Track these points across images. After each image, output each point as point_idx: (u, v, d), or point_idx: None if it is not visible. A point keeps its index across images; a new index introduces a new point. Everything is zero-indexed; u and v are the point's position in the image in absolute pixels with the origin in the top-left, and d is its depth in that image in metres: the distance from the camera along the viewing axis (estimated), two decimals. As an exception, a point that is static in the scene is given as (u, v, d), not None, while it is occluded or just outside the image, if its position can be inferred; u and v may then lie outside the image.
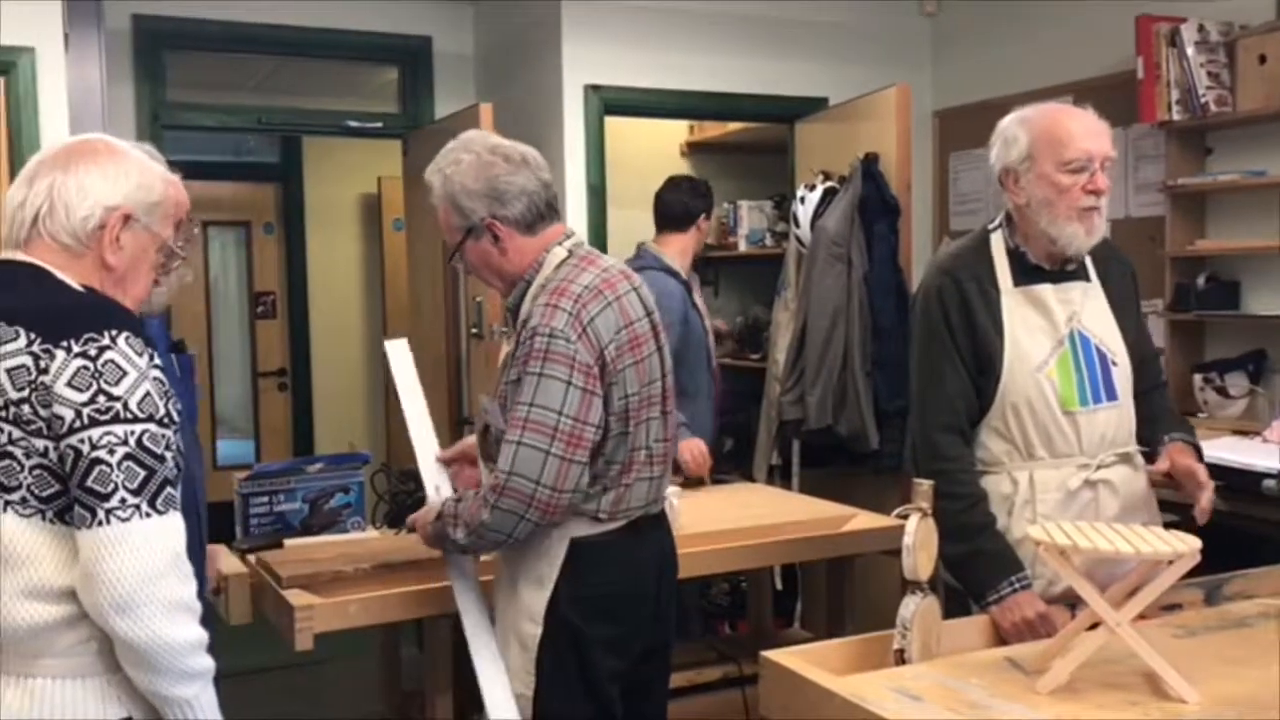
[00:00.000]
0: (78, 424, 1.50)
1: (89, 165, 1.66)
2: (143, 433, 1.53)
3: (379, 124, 5.10)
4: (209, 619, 1.65)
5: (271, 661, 3.76)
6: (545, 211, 2.19)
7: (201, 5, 4.52)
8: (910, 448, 2.40)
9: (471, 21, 5.11)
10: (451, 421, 4.58)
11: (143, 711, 1.60)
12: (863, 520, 3.10)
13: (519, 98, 4.67)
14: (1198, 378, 3.81)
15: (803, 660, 1.85)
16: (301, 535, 2.88)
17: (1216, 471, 2.92)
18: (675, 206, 4.01)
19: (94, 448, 1.50)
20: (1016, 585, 2.14)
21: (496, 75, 4.97)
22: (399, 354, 2.50)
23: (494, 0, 4.92)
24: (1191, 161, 3.94)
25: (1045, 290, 2.29)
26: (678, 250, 3.98)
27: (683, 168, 5.64)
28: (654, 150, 5.55)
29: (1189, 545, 1.74)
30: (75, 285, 1.63)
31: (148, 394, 1.55)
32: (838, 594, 3.25)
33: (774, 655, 1.87)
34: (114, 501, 1.50)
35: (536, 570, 2.12)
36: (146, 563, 1.51)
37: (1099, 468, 2.26)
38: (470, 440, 2.44)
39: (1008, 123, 2.31)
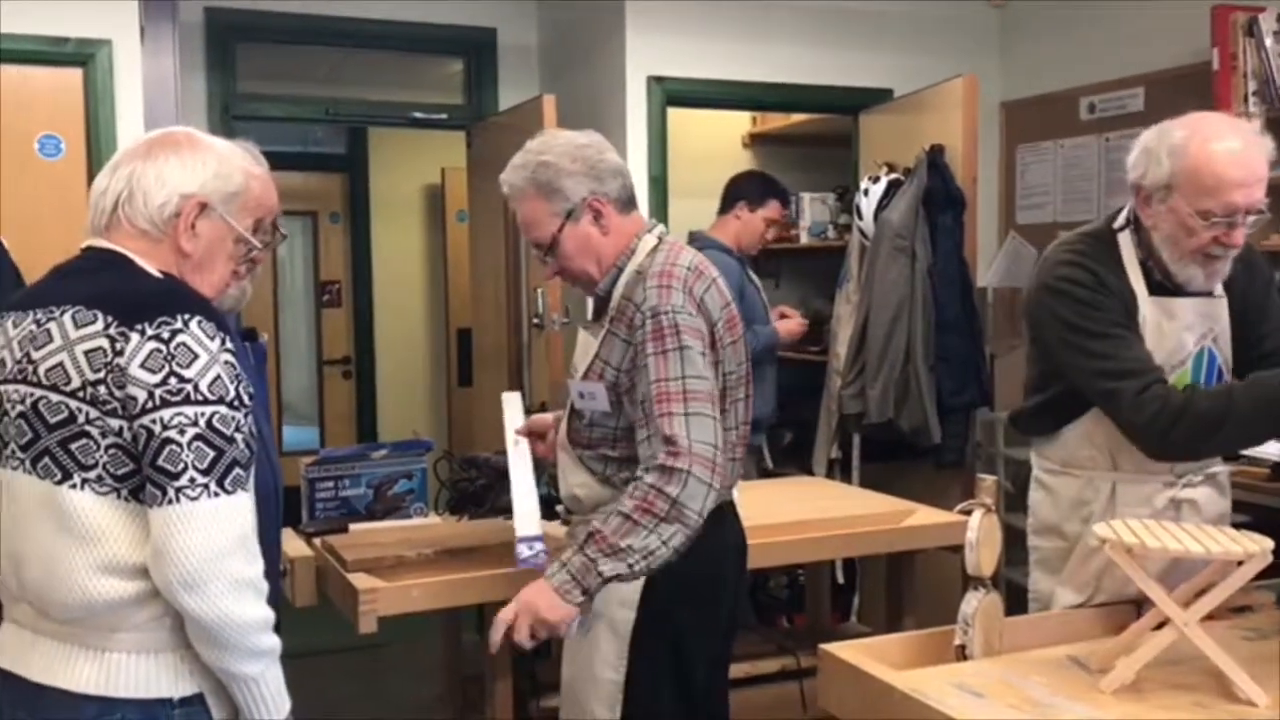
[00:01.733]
0: (150, 404, 1.54)
1: (169, 154, 1.70)
2: (213, 414, 1.56)
3: (444, 115, 5.14)
4: (275, 599, 1.68)
5: (334, 644, 3.82)
6: (633, 195, 2.24)
7: (272, -1, 4.60)
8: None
9: (535, 13, 5.14)
10: (512, 410, 4.61)
11: (215, 687, 1.63)
12: (923, 515, 3.08)
13: (582, 89, 4.69)
14: None
15: (862, 654, 1.85)
16: (366, 520, 2.93)
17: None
18: (724, 192, 4.39)
19: (165, 428, 1.54)
20: None
21: (560, 67, 4.99)
22: (513, 406, 2.51)
23: (558, -8, 4.95)
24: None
25: (1181, 304, 2.15)
26: (723, 233, 4.29)
27: (745, 159, 5.62)
28: (716, 141, 5.53)
29: (1261, 546, 1.71)
30: (154, 271, 1.67)
31: (218, 377, 1.58)
32: (897, 589, 3.23)
33: (833, 648, 1.87)
34: (183, 480, 1.53)
35: None
36: (214, 541, 1.54)
37: (1185, 486, 2.20)
38: (541, 416, 2.46)
39: (1156, 139, 2.11)
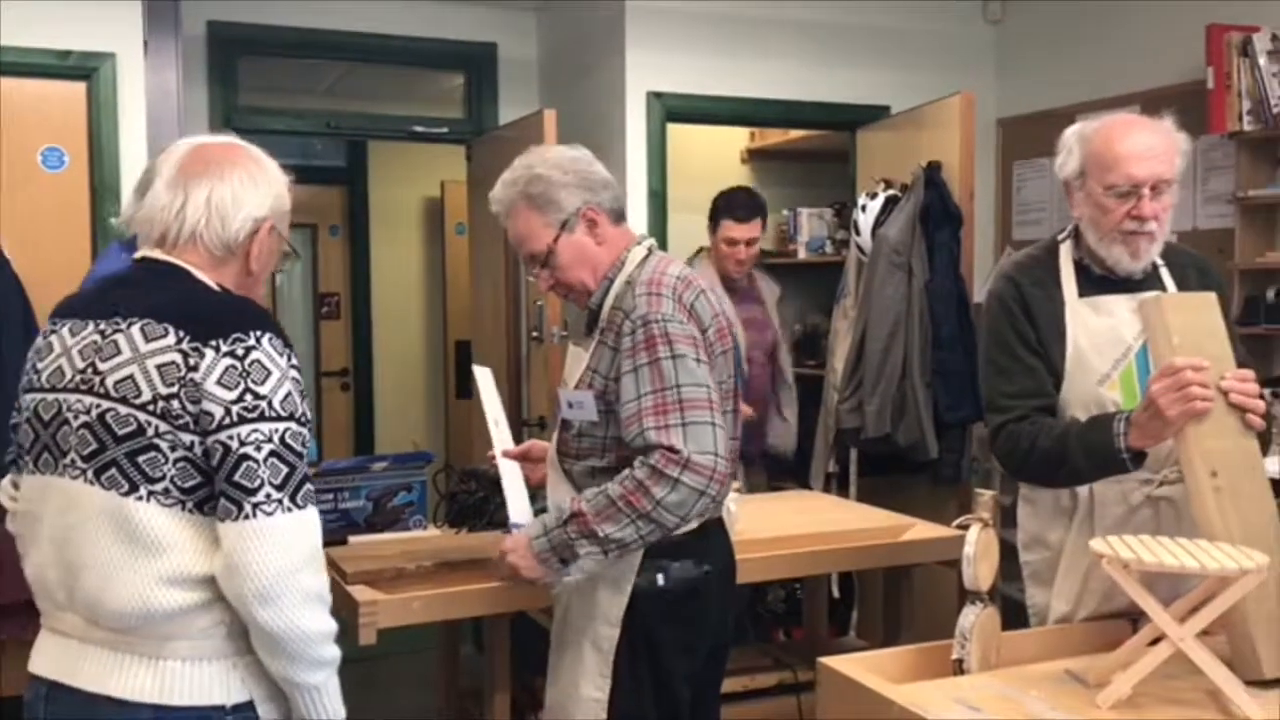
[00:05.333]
0: (227, 421, 1.57)
1: (238, 174, 1.73)
2: (285, 430, 1.60)
3: (444, 129, 5.17)
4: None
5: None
6: (623, 207, 2.27)
7: (274, 12, 4.62)
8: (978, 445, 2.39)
9: (535, 28, 5.16)
10: (512, 423, 4.62)
11: (265, 694, 1.67)
12: (921, 530, 3.09)
13: (582, 104, 4.71)
14: (1266, 393, 3.73)
15: (861, 668, 1.86)
16: (365, 532, 2.93)
17: (1283, 488, 2.88)
18: None
19: (242, 444, 1.57)
20: (1123, 418, 2.04)
21: (560, 82, 5.01)
22: (485, 380, 2.53)
23: (559, 5, 4.97)
24: (1262, 173, 3.87)
25: (1116, 301, 2.24)
26: (708, 259, 4.30)
27: (743, 174, 5.65)
28: (715, 156, 5.56)
29: (1256, 561, 1.72)
30: (214, 286, 1.70)
31: (289, 394, 1.63)
32: (895, 603, 3.24)
33: (832, 662, 1.88)
34: (260, 496, 1.57)
35: (612, 573, 2.14)
36: (288, 556, 1.58)
37: (1161, 484, 2.23)
38: (536, 442, 2.47)
39: (1068, 134, 2.29)
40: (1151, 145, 2.17)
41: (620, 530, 2.03)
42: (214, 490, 1.60)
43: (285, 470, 1.60)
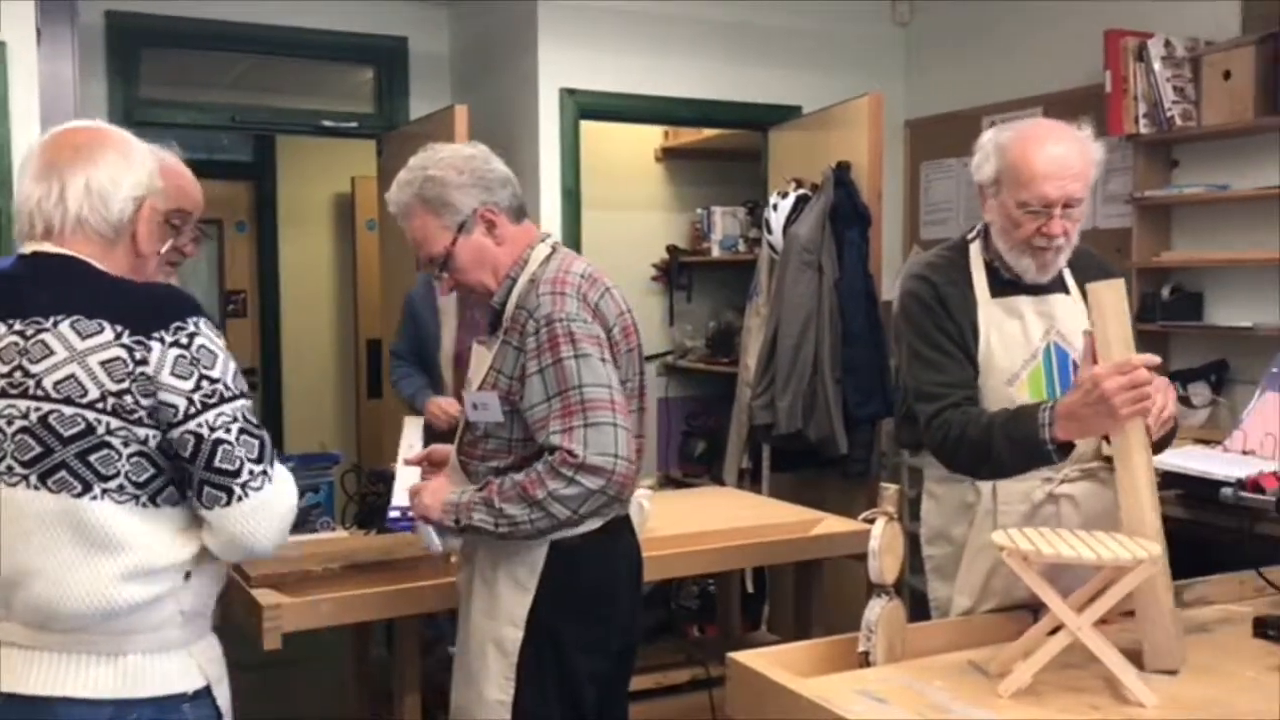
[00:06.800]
0: (192, 410, 1.61)
1: (113, 156, 1.71)
2: (243, 407, 1.67)
3: (354, 124, 5.09)
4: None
5: (238, 662, 3.74)
6: (523, 204, 2.24)
7: (176, 3, 4.50)
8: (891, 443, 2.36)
9: (447, 23, 5.12)
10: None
11: (218, 675, 1.74)
12: (831, 524, 3.13)
13: (494, 99, 4.68)
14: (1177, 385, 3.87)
15: (769, 662, 1.87)
16: (271, 535, 2.87)
17: (1177, 480, 2.98)
18: None
19: (212, 430, 1.62)
20: (1047, 408, 2.01)
21: (472, 77, 4.97)
22: (413, 431, 2.52)
23: (470, 1, 4.93)
24: (1158, 174, 4.00)
25: (1023, 302, 2.28)
26: None
27: (657, 173, 5.68)
28: (630, 155, 5.57)
29: (1150, 552, 1.77)
30: (115, 275, 1.68)
31: (235, 371, 1.68)
32: (805, 597, 3.28)
33: (740, 657, 1.89)
34: (245, 475, 1.65)
35: (515, 574, 2.12)
36: (284, 517, 1.71)
37: (1062, 481, 2.29)
38: (437, 447, 2.45)
39: (985, 139, 2.28)
40: (1067, 163, 2.16)
41: (513, 508, 2.04)
42: (170, 481, 1.64)
43: (256, 443, 1.67)
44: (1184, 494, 2.97)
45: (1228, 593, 2.27)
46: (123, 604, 1.60)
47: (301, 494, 2.93)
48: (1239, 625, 2.09)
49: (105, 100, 4.45)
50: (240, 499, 1.64)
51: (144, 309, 1.63)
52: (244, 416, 1.66)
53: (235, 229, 7.34)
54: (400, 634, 2.65)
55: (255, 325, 7.25)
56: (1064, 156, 2.16)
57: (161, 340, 1.61)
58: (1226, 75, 3.66)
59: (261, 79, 5.66)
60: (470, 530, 2.10)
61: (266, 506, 1.67)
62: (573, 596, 2.13)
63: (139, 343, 1.59)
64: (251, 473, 1.65)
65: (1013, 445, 2.07)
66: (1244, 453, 3.18)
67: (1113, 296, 1.91)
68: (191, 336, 1.63)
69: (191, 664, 1.70)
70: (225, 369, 1.65)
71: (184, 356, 1.61)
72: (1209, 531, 2.51)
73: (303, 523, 2.95)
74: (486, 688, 2.14)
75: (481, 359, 2.20)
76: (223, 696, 1.75)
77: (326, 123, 5.06)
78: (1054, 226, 2.18)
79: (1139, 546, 1.80)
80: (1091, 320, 1.95)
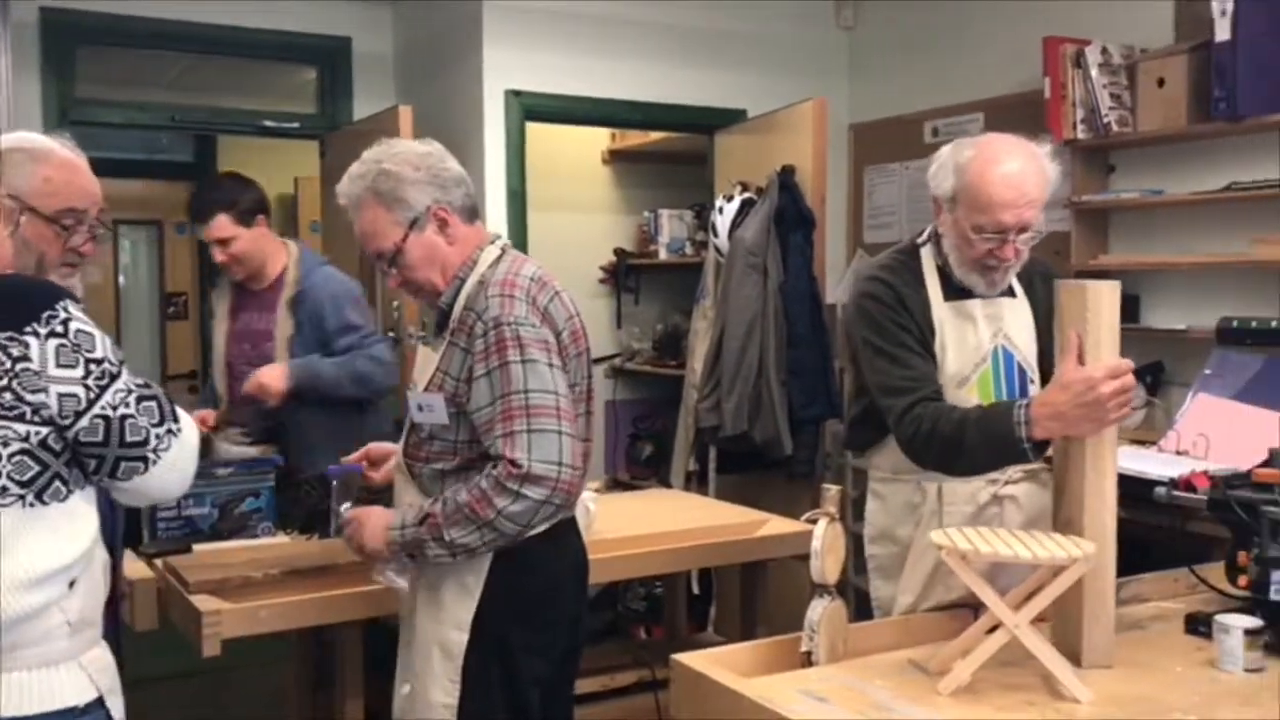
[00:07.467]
0: (91, 396, 1.61)
1: None
2: (129, 378, 1.68)
3: (296, 124, 5.04)
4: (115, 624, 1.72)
5: (178, 669, 3.68)
6: (475, 204, 2.23)
7: (114, 1, 4.42)
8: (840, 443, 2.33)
9: (392, 23, 5.08)
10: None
11: (110, 685, 1.69)
12: (775, 525, 3.14)
13: (439, 100, 4.65)
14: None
15: (712, 663, 1.87)
16: (210, 540, 2.84)
17: (1114, 479, 3.03)
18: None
19: (115, 408, 1.64)
20: (1022, 406, 2.03)
21: (416, 77, 4.94)
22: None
23: (415, 2, 4.90)
24: (1096, 179, 4.07)
25: (974, 305, 2.31)
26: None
27: (604, 175, 5.68)
28: (576, 157, 5.57)
29: (1084, 550, 1.80)
30: None
31: (110, 344, 1.67)
32: (750, 598, 3.29)
33: (683, 658, 1.89)
34: (153, 442, 1.69)
35: (461, 578, 2.11)
36: (190, 462, 1.77)
37: (1006, 483, 2.31)
38: (374, 445, 2.43)
39: (945, 153, 2.28)
40: (1024, 190, 2.17)
41: (466, 536, 2.02)
42: (55, 475, 1.61)
43: (154, 404, 1.70)
44: (1119, 493, 3.02)
45: (1161, 590, 2.31)
46: (10, 614, 1.55)
47: (241, 499, 2.93)
48: (1172, 622, 2.14)
49: (39, 99, 4.36)
50: (152, 464, 1.69)
51: (8, 303, 1.59)
52: (134, 385, 1.68)
53: (175, 230, 7.24)
54: (342, 638, 2.62)
55: (196, 328, 7.15)
56: (1021, 184, 2.17)
57: (36, 334, 1.58)
58: (1160, 83, 3.74)
59: (202, 78, 5.59)
60: (423, 558, 2.09)
61: (176, 463, 1.72)
62: (519, 600, 2.12)
63: (12, 339, 1.56)
64: (159, 436, 1.69)
65: (987, 442, 2.08)
66: (1178, 453, 3.24)
67: (1109, 298, 1.93)
68: (66, 323, 1.61)
69: (82, 676, 1.65)
70: (104, 345, 1.65)
71: (65, 345, 1.60)
72: (1143, 530, 2.55)
73: (242, 528, 2.92)
74: (431, 691, 2.13)
75: (427, 360, 2.19)
76: (116, 708, 1.71)
77: (268, 123, 5.00)
78: (1006, 251, 2.21)
79: (1074, 545, 1.83)
80: (1083, 319, 1.94)
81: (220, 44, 4.73)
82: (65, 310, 1.61)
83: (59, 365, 1.58)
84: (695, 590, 4.16)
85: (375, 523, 2.15)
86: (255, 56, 4.95)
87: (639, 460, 5.36)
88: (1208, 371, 3.49)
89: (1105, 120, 3.83)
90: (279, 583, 2.53)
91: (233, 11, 4.64)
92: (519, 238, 4.48)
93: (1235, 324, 3.52)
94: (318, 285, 3.42)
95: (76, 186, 1.77)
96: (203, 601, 2.40)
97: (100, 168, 1.90)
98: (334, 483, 2.43)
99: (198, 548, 2.76)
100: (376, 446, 2.41)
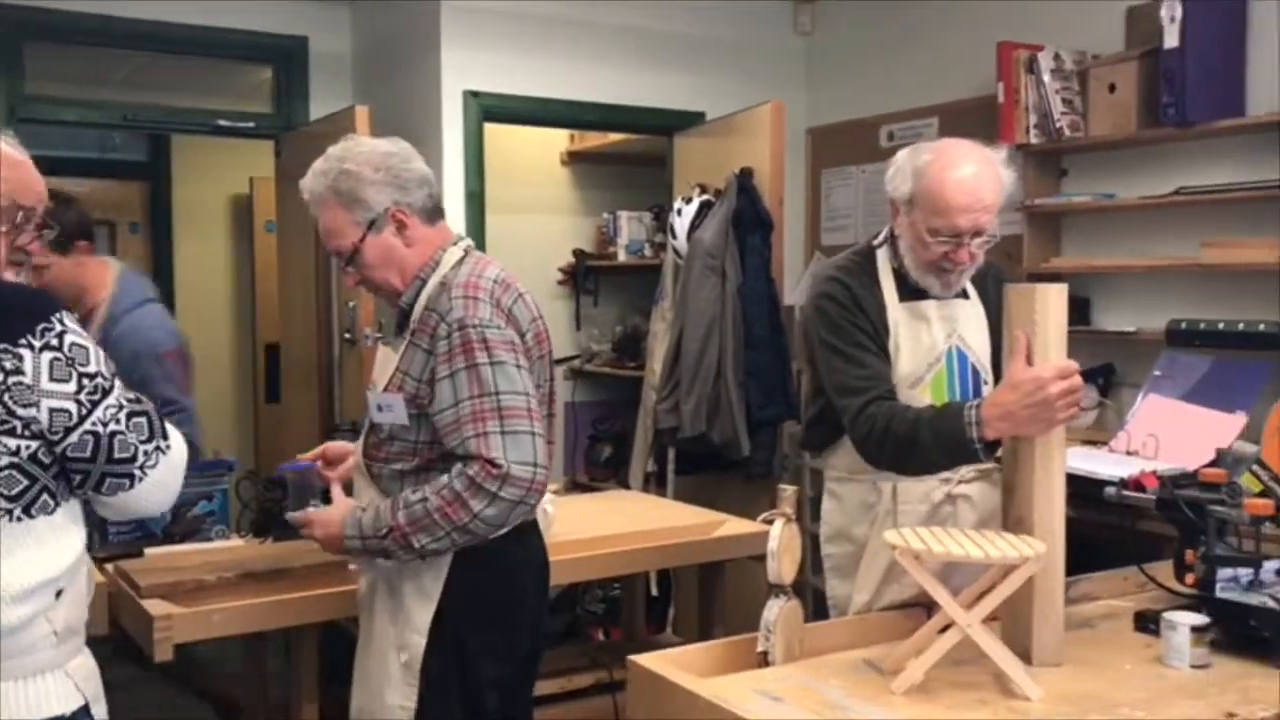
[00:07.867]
0: (83, 411, 1.59)
1: None
2: (121, 393, 1.66)
3: (251, 124, 4.99)
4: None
5: (129, 675, 3.63)
6: (439, 205, 2.21)
7: (65, -4, 4.37)
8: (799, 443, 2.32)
9: (349, 22, 5.05)
10: (323, 426, 4.50)
11: (95, 693, 1.68)
12: (733, 526, 3.15)
13: (397, 101, 4.63)
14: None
15: (668, 664, 1.88)
16: (163, 543, 2.81)
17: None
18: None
19: (105, 425, 1.62)
20: (973, 406, 2.05)
21: (374, 77, 4.91)
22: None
23: (372, 1, 4.87)
24: (1048, 183, 4.12)
25: (929, 306, 2.34)
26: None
27: (563, 176, 5.68)
28: (535, 158, 5.56)
29: (1035, 550, 1.83)
30: None
31: (104, 357, 1.65)
32: (708, 599, 3.30)
33: (640, 659, 1.90)
34: (141, 458, 1.67)
35: (420, 581, 2.10)
36: (177, 479, 1.75)
37: (960, 482, 2.34)
38: (331, 444, 2.41)
39: (902, 157, 2.31)
40: (979, 195, 2.21)
41: (436, 542, 2.01)
42: (44, 489, 1.59)
43: (144, 420, 1.68)
44: (1070, 493, 3.05)
45: (1111, 588, 2.35)
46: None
47: (195, 501, 2.90)
48: (1121, 620, 2.17)
49: (-12, 96, 4.29)
50: (141, 480, 1.67)
51: (3, 315, 1.56)
52: (127, 400, 1.66)
53: (129, 230, 7.14)
54: (297, 642, 2.60)
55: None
56: (977, 189, 2.21)
57: (31, 346, 1.55)
58: (1112, 88, 3.79)
59: (156, 77, 5.51)
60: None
61: (163, 481, 1.70)
62: (479, 602, 2.11)
63: (5, 351, 1.53)
64: (147, 453, 1.67)
65: (939, 442, 2.11)
66: (1128, 453, 3.29)
67: (1057, 300, 1.96)
68: (61, 336, 1.58)
69: (69, 684, 1.64)
70: (97, 359, 1.63)
71: (59, 359, 1.57)
72: (1093, 529, 2.59)
73: (195, 531, 2.89)
74: (388, 693, 2.12)
75: (387, 359, 2.18)
76: (100, 714, 1.70)
77: (223, 123, 4.95)
78: (961, 255, 2.25)
79: (1025, 544, 1.85)
80: (1031, 321, 1.96)
81: (175, 42, 4.67)
82: (60, 323, 1.59)
83: (52, 379, 1.56)
84: (654, 592, 4.17)
85: (331, 531, 2.13)
86: (211, 55, 4.89)
87: (598, 462, 5.37)
88: (1157, 373, 3.55)
89: (1057, 125, 3.88)
90: (233, 586, 2.50)
91: (189, 10, 4.59)
92: (477, 239, 4.47)
93: (1184, 326, 3.58)
94: (124, 335, 3.03)
95: (22, 184, 1.73)
96: (154, 606, 2.37)
97: (51, 166, 1.87)
98: (289, 482, 2.41)
99: (150, 551, 2.73)
100: (333, 445, 2.39)
